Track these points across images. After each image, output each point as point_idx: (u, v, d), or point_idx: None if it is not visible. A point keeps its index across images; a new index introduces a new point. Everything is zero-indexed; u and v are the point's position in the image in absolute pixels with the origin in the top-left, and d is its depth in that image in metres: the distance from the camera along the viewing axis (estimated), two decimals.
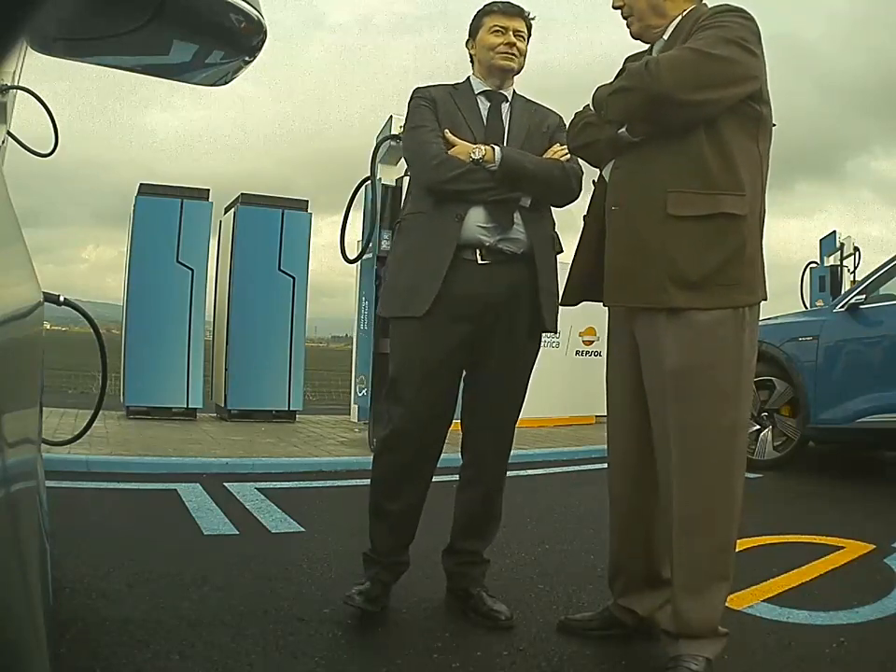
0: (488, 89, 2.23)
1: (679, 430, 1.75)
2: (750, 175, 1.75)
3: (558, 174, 2.13)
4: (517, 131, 2.19)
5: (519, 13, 2.20)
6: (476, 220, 2.08)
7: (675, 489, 1.76)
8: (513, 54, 2.19)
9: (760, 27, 1.74)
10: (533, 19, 2.23)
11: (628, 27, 1.91)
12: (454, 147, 2.10)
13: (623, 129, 1.80)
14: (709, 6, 1.85)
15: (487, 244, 2.09)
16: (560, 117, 2.29)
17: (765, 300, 1.84)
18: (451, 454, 2.26)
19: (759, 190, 1.79)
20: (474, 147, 2.08)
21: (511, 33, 2.18)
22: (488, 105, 2.22)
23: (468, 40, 2.26)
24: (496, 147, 2.09)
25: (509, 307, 2.11)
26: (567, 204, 2.23)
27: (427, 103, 2.18)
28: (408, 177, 2.35)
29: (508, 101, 2.23)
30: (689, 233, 1.72)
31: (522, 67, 2.23)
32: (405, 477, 2.13)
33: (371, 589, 2.08)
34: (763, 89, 1.75)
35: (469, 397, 2.22)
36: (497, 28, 2.18)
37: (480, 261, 2.09)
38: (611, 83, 1.84)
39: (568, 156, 2.16)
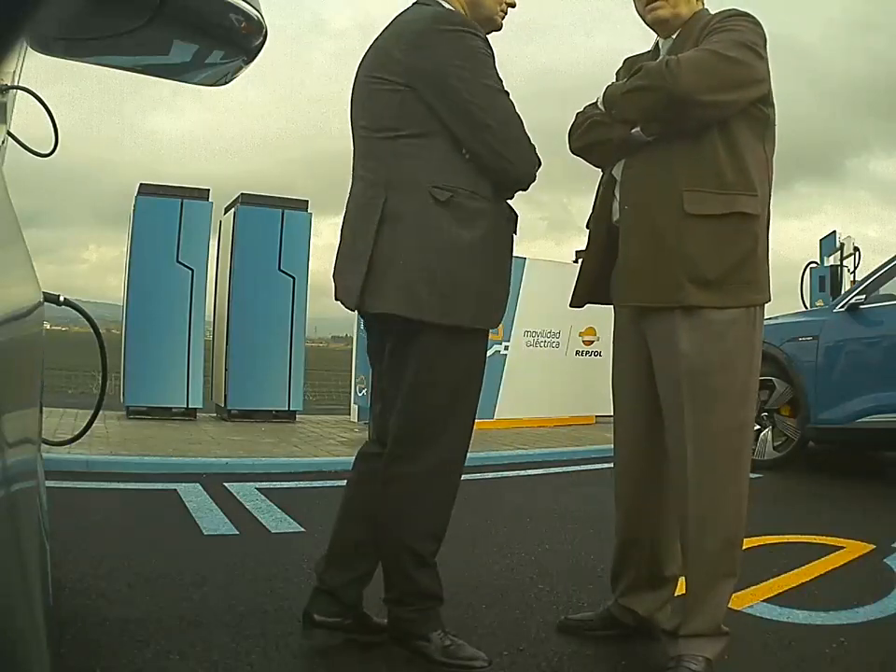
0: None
1: (694, 429, 1.75)
2: (760, 176, 1.77)
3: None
4: None
5: None
6: None
7: (689, 488, 1.76)
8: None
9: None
10: None
11: (653, 11, 1.84)
12: None
13: (637, 128, 1.78)
14: (711, 11, 1.87)
15: None
16: None
17: (770, 300, 1.86)
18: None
19: (767, 192, 1.80)
20: None
21: None
22: None
23: None
24: None
25: None
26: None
27: (491, 54, 1.75)
28: (472, 139, 1.71)
29: None
30: (706, 232, 1.72)
31: None
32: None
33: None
34: (770, 92, 1.77)
35: None
36: None
37: None
38: (625, 82, 1.81)
39: None
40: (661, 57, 1.85)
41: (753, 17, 1.76)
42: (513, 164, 1.76)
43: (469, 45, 1.70)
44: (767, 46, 1.74)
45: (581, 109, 1.94)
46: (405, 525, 1.83)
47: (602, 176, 1.97)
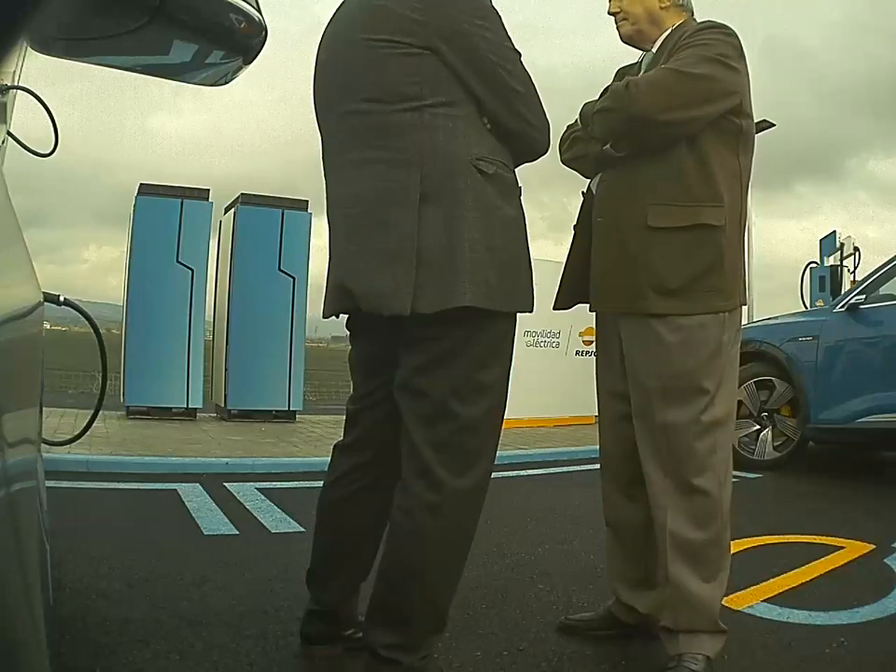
0: None
1: (661, 430, 1.79)
2: (729, 187, 1.80)
3: None
4: None
5: None
6: None
7: (657, 487, 1.80)
8: None
9: (748, 38, 1.79)
10: None
11: (618, 29, 1.94)
12: None
13: (608, 145, 1.84)
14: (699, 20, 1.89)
15: None
16: None
17: (745, 304, 1.89)
18: None
19: (738, 201, 1.83)
20: None
21: None
22: None
23: None
24: None
25: None
26: None
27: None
28: (500, 106, 1.54)
29: None
30: (668, 244, 1.77)
31: None
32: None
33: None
34: (745, 102, 1.79)
35: None
36: None
37: None
38: (596, 101, 1.88)
39: None
40: (642, 70, 1.90)
41: (727, 27, 1.79)
42: (538, 130, 1.60)
43: (483, 2, 1.52)
44: (744, 55, 1.77)
45: (572, 122, 1.99)
46: (452, 553, 1.57)
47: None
